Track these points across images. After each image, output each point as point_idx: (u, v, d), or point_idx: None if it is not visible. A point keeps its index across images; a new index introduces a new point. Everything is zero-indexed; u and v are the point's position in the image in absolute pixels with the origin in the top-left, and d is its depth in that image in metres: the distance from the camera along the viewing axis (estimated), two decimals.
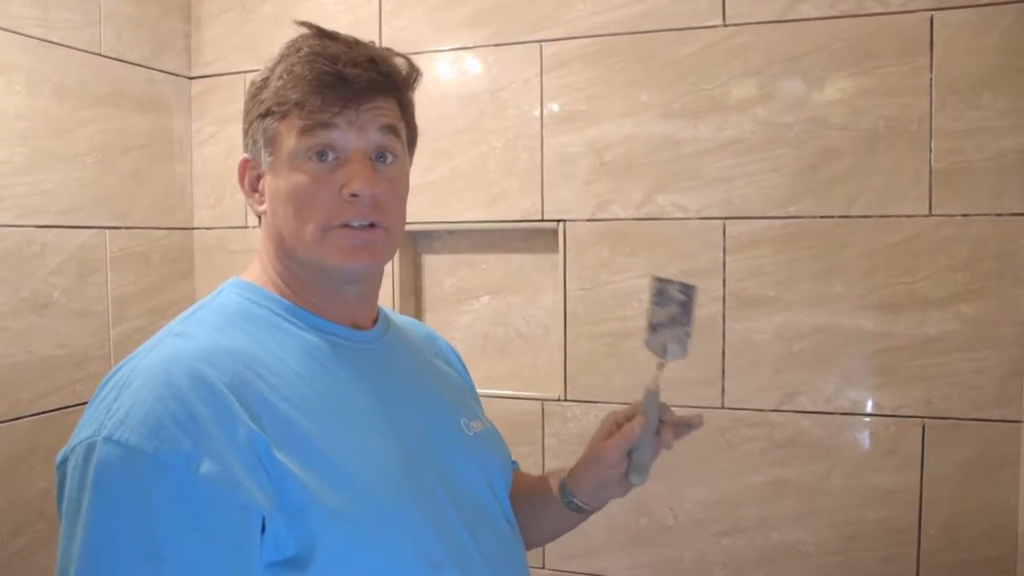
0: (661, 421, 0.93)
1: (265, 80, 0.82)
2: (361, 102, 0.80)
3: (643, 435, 0.92)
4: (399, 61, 0.84)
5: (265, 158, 0.82)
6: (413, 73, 0.85)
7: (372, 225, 0.81)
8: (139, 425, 0.67)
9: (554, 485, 1.00)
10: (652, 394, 0.93)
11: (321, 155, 0.80)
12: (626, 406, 0.97)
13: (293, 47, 0.81)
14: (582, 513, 0.99)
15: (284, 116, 0.80)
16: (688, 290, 0.96)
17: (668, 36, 1.69)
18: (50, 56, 1.71)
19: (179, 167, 2.06)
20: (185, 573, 0.65)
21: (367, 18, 1.91)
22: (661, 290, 0.96)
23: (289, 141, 0.80)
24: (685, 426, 0.95)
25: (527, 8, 1.79)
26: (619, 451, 0.92)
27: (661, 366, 0.95)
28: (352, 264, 0.81)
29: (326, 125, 0.79)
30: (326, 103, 0.78)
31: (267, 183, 0.83)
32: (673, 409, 0.96)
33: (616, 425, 0.96)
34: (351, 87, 0.79)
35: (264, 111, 0.81)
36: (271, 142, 0.81)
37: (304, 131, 0.79)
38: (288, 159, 0.80)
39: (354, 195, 0.79)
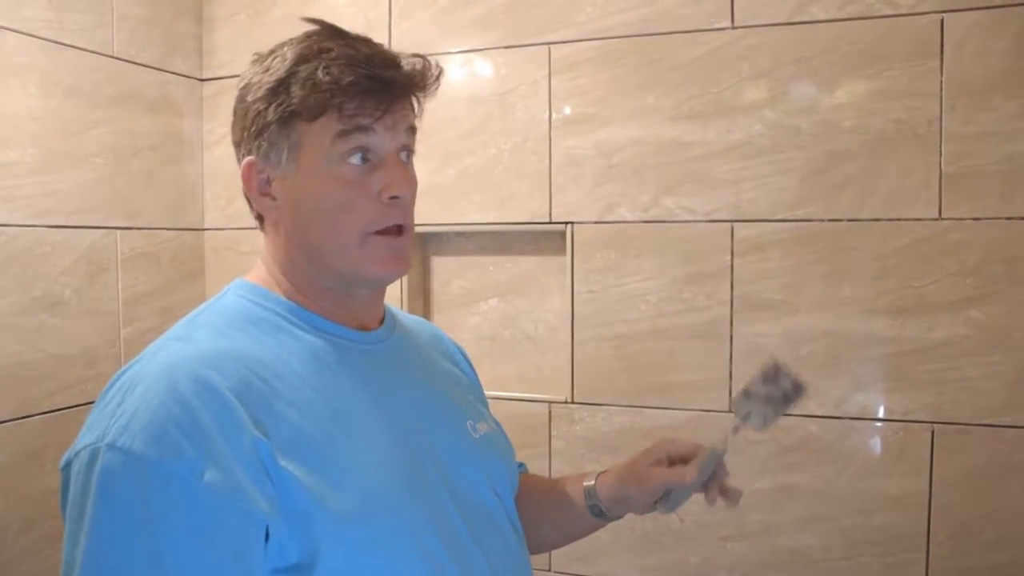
0: (713, 476, 0.94)
1: (282, 81, 0.78)
2: (395, 105, 0.80)
3: (691, 486, 0.93)
4: (416, 59, 0.83)
5: (286, 162, 0.80)
6: (437, 72, 0.85)
7: (400, 228, 0.82)
8: (142, 432, 0.67)
9: (573, 488, 0.99)
10: (716, 454, 0.93)
11: (358, 158, 0.79)
12: (687, 443, 0.96)
13: (314, 47, 0.78)
14: (601, 519, 0.98)
15: (315, 119, 0.77)
16: (799, 388, 0.94)
17: (676, 39, 1.69)
18: (63, 58, 1.72)
19: (190, 168, 2.07)
20: None
21: (377, 20, 1.91)
22: (774, 373, 0.94)
23: (321, 144, 0.78)
24: (725, 495, 0.96)
25: (536, 11, 1.79)
26: (663, 486, 0.93)
27: (736, 430, 0.94)
28: (390, 272, 0.82)
29: (365, 129, 0.78)
30: (366, 107, 0.77)
31: (283, 187, 0.81)
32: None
33: (668, 457, 0.95)
34: (391, 90, 0.79)
35: (288, 113, 0.78)
36: (297, 145, 0.79)
37: (342, 134, 0.77)
38: (320, 162, 0.78)
39: (394, 197, 0.80)
